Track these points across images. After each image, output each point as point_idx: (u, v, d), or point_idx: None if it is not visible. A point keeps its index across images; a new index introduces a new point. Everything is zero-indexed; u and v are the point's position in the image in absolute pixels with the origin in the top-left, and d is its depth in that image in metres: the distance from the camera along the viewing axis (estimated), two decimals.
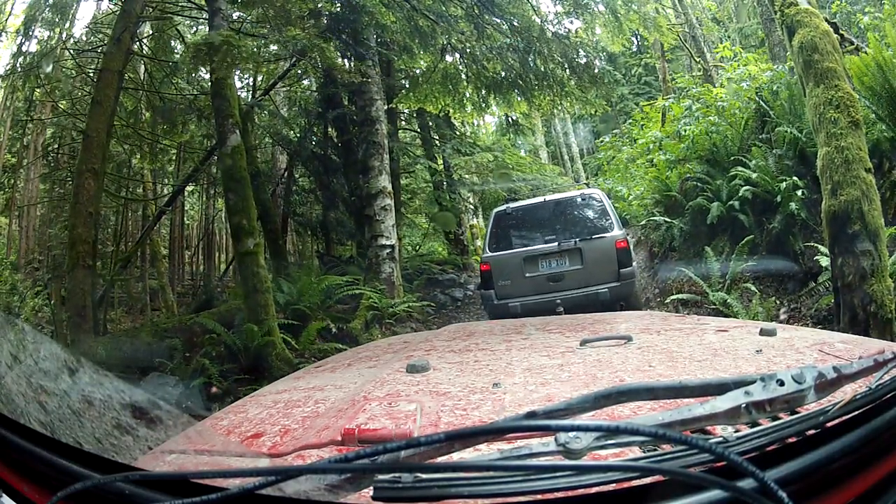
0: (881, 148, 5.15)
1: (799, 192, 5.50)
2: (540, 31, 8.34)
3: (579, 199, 5.95)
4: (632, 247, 6.25)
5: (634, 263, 5.90)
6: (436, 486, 0.50)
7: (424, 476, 0.51)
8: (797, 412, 0.62)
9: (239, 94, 8.29)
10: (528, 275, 5.58)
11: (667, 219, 7.66)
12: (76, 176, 6.64)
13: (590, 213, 5.81)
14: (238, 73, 9.54)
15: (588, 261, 5.51)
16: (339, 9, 7.59)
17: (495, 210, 6.17)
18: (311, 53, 6.70)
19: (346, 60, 8.63)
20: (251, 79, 10.74)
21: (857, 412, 0.58)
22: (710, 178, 6.91)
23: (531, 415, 0.55)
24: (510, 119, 12.18)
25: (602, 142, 14.83)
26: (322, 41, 6.59)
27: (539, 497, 0.51)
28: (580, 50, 8.86)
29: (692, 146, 7.60)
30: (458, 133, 12.58)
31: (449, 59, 8.91)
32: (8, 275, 9.30)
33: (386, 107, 9.22)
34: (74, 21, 9.02)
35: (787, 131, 5.97)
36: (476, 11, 8.25)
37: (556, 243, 5.59)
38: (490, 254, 5.77)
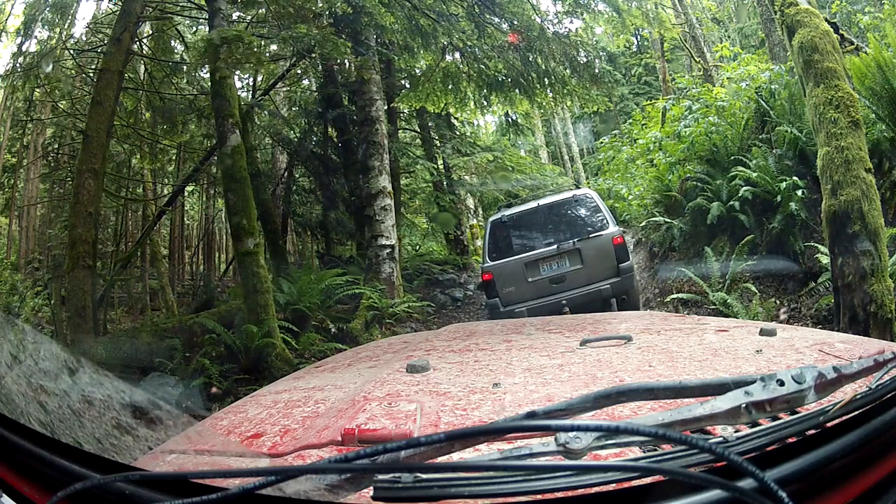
0: (881, 148, 5.15)
1: (799, 192, 5.50)
2: (540, 30, 8.34)
3: (572, 201, 6.04)
4: (629, 244, 6.32)
5: (631, 257, 6.00)
6: (436, 486, 0.50)
7: (424, 476, 0.51)
8: (797, 412, 0.62)
9: (239, 94, 8.28)
10: (530, 279, 5.68)
11: (667, 219, 7.66)
12: (76, 176, 6.64)
13: (584, 213, 5.92)
14: (238, 73, 9.54)
15: (587, 260, 5.63)
16: (341, 10, 7.57)
17: (490, 219, 6.21)
18: (321, 50, 6.69)
19: (346, 61, 8.64)
20: (251, 79, 10.74)
21: (857, 412, 0.58)
22: (710, 178, 6.90)
23: (531, 415, 0.55)
24: (510, 119, 12.17)
25: (602, 142, 14.83)
26: (333, 35, 6.59)
27: (539, 497, 0.51)
28: (580, 49, 8.87)
29: (692, 146, 7.60)
30: (458, 133, 12.57)
31: (449, 58, 8.91)
32: (8, 275, 9.30)
33: (386, 107, 9.21)
34: (74, 21, 9.02)
35: (787, 131, 5.97)
36: (476, 10, 8.26)
37: (555, 246, 5.69)
38: (490, 263, 5.83)
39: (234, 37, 5.63)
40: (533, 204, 6.19)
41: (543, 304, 5.55)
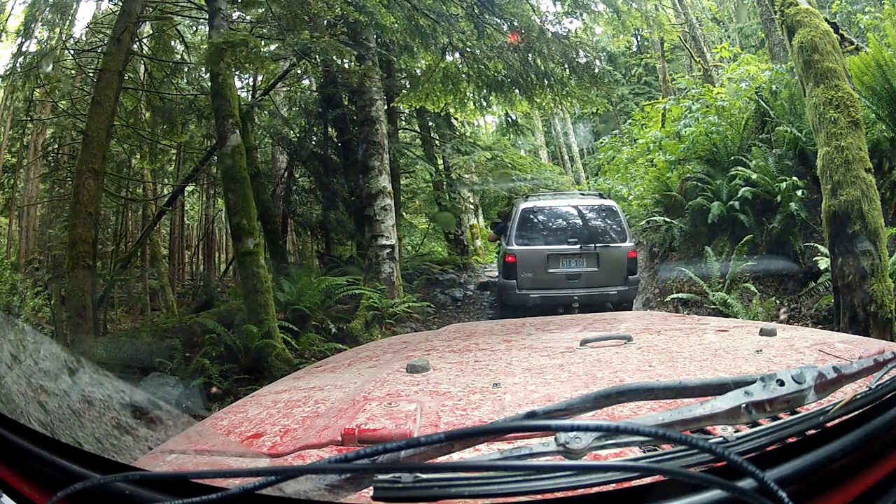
0: (881, 148, 5.15)
1: (799, 192, 5.50)
2: (539, 31, 8.33)
3: (599, 209, 6.49)
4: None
5: (639, 272, 6.56)
6: (436, 486, 0.50)
7: (424, 476, 0.51)
8: (797, 412, 0.62)
9: (239, 94, 8.28)
10: (550, 271, 6.10)
11: (667, 219, 7.67)
12: (76, 176, 6.63)
13: (607, 223, 6.38)
14: (238, 73, 9.53)
15: (603, 265, 6.11)
16: (352, 17, 7.57)
17: (522, 206, 6.50)
18: (324, 56, 6.71)
19: (347, 64, 8.63)
20: (251, 79, 10.73)
21: (857, 412, 0.58)
22: (710, 178, 6.91)
23: (531, 415, 0.55)
24: (510, 119, 12.17)
25: (602, 142, 14.83)
26: (337, 42, 6.61)
27: (539, 497, 0.51)
28: (580, 50, 8.85)
29: (692, 146, 7.60)
30: (458, 133, 12.57)
31: (449, 58, 8.90)
32: (8, 275, 9.30)
33: (386, 107, 9.20)
34: (74, 21, 9.01)
35: (787, 131, 5.98)
36: (476, 11, 8.25)
37: (579, 246, 6.11)
38: (516, 247, 6.16)
39: (240, 41, 5.62)
40: (564, 202, 6.64)
41: (557, 296, 5.97)
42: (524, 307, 6.01)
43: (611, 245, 6.17)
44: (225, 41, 5.55)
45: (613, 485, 0.51)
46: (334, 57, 6.51)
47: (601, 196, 7.13)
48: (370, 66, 7.75)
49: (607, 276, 6.06)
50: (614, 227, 6.32)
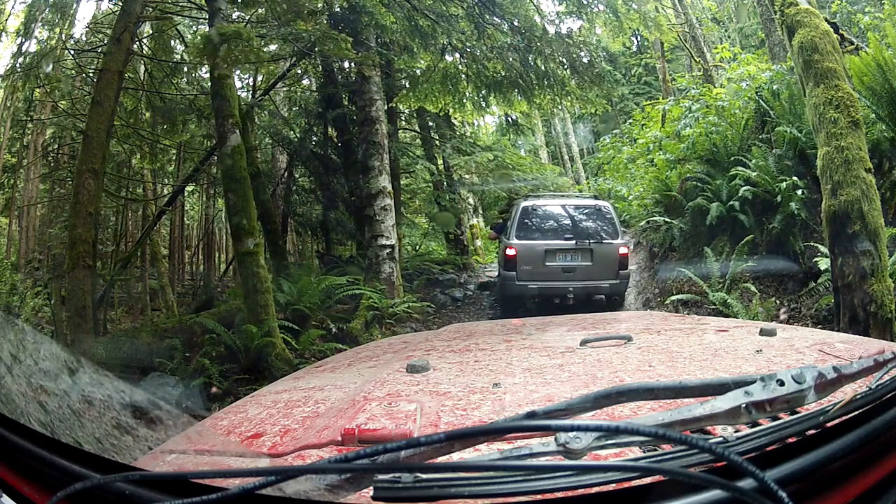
0: (881, 148, 5.15)
1: (799, 192, 5.50)
2: (542, 30, 8.33)
3: (594, 209, 6.91)
4: (631, 250, 7.01)
5: (629, 268, 7.10)
6: (436, 486, 0.50)
7: (424, 476, 0.51)
8: (797, 412, 0.62)
9: (239, 94, 8.27)
10: (547, 264, 6.52)
11: (667, 219, 7.67)
12: (76, 176, 6.63)
13: (601, 222, 6.83)
14: (238, 72, 9.53)
15: (596, 260, 6.55)
16: (338, 9, 7.57)
17: (523, 204, 6.95)
18: (321, 47, 6.73)
19: (346, 61, 8.63)
20: (251, 79, 10.73)
21: (857, 412, 0.58)
22: (710, 178, 6.91)
23: (531, 415, 0.55)
24: (510, 119, 12.16)
25: (602, 142, 14.84)
26: (333, 31, 6.63)
27: (539, 497, 0.51)
28: (582, 49, 8.85)
29: (692, 146, 7.60)
30: (458, 133, 12.55)
31: (449, 58, 8.90)
32: (8, 275, 9.30)
33: (386, 107, 9.20)
34: (74, 21, 9.00)
35: (787, 131, 5.97)
36: (476, 11, 8.25)
37: (574, 242, 6.53)
38: (517, 241, 6.58)
39: (234, 33, 5.62)
40: (561, 201, 7.12)
41: (553, 287, 6.43)
42: (523, 298, 6.48)
43: (604, 242, 6.59)
44: (218, 34, 5.55)
45: (613, 485, 0.51)
46: (331, 48, 6.49)
47: (596, 197, 7.54)
48: (368, 55, 7.72)
49: (600, 270, 6.50)
50: (608, 225, 6.76)
